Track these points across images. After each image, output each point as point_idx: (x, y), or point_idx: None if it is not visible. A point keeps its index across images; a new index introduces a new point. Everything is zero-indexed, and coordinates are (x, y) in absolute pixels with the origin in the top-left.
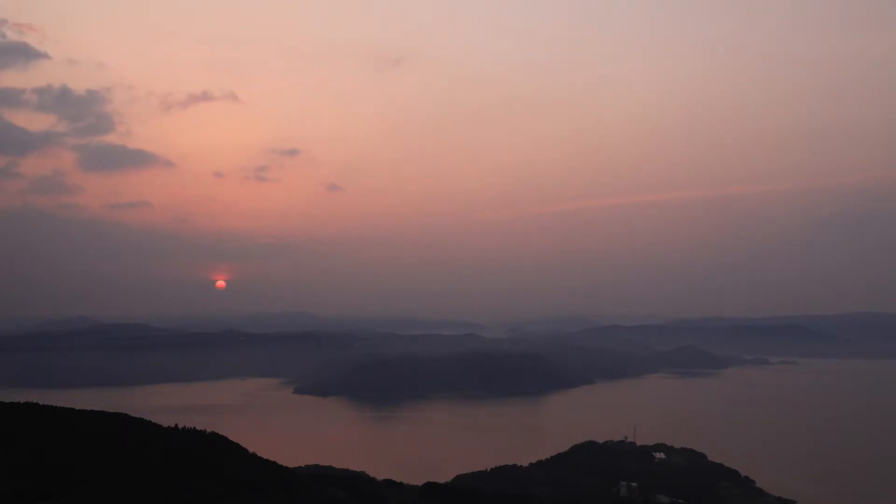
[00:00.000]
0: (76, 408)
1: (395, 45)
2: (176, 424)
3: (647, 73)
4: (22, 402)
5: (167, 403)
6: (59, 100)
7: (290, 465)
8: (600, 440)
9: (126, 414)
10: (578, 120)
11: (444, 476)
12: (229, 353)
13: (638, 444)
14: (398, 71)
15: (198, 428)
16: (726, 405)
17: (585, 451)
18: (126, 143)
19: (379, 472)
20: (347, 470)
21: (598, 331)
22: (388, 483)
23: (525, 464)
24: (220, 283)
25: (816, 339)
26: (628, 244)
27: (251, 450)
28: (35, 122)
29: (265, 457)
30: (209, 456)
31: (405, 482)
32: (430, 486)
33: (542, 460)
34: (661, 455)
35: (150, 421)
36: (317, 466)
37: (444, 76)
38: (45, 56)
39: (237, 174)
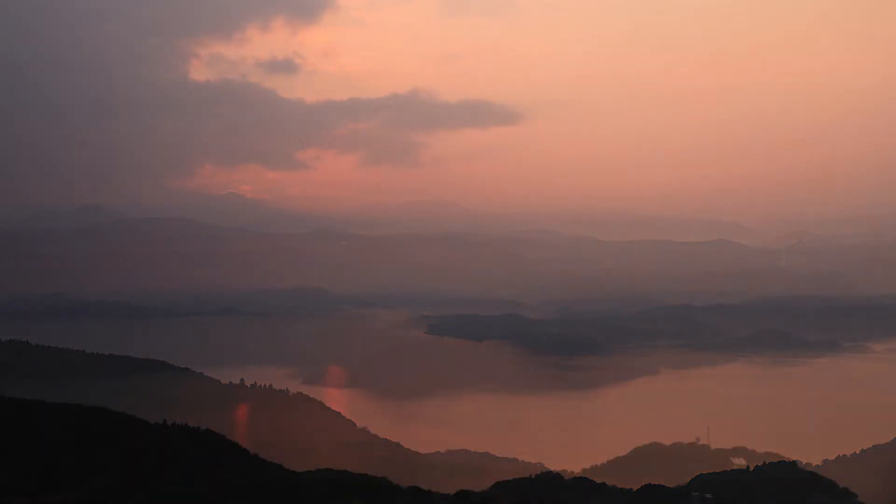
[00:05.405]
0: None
1: None
2: (164, 420)
3: None
4: None
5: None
6: None
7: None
8: (667, 442)
9: (105, 408)
10: None
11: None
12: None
13: (712, 448)
14: None
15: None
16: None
17: (649, 455)
18: None
19: None
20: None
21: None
22: (414, 490)
23: (577, 469)
24: None
25: None
26: None
27: None
28: None
29: None
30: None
31: (433, 490)
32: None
33: (595, 465)
34: (742, 461)
35: (133, 416)
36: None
37: None
38: None
39: None
